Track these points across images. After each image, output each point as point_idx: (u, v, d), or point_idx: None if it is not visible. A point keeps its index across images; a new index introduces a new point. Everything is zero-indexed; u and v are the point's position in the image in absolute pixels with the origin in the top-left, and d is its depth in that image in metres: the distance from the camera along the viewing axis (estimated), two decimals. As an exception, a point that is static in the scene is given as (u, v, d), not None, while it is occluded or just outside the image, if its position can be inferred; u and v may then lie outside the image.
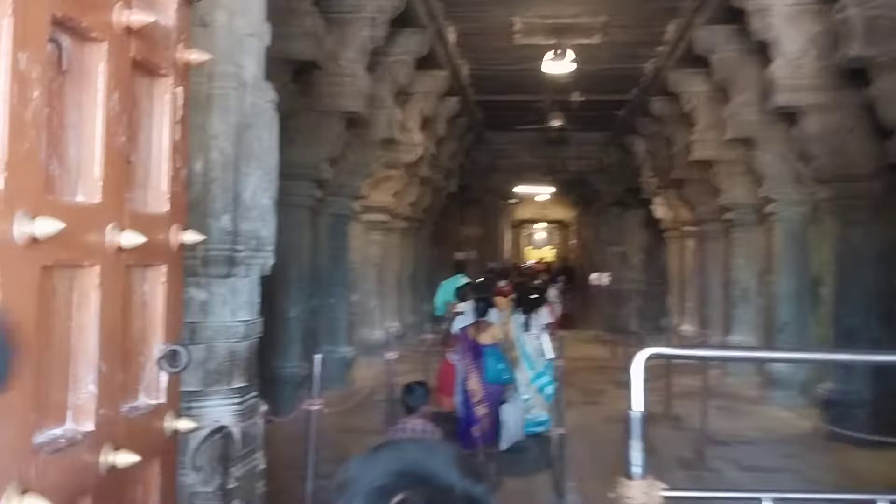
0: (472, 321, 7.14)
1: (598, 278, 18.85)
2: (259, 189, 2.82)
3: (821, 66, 7.54)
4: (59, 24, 1.36)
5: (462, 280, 9.55)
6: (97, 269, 1.49)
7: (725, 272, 12.98)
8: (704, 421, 7.20)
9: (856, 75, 7.39)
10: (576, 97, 14.07)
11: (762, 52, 8.88)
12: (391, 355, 5.31)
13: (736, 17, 8.90)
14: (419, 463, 1.02)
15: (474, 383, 6.84)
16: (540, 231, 33.22)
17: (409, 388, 4.92)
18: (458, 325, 7.57)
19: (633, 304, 18.51)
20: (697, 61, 10.40)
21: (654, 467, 5.73)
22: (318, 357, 2.95)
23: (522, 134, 18.22)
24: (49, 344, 1.38)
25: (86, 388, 1.45)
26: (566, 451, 5.93)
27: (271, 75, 6.97)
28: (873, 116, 7.42)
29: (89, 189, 1.47)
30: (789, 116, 8.59)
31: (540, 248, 33.54)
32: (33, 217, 1.24)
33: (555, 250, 32.42)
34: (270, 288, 8.24)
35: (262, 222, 2.87)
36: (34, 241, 1.25)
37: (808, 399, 8.96)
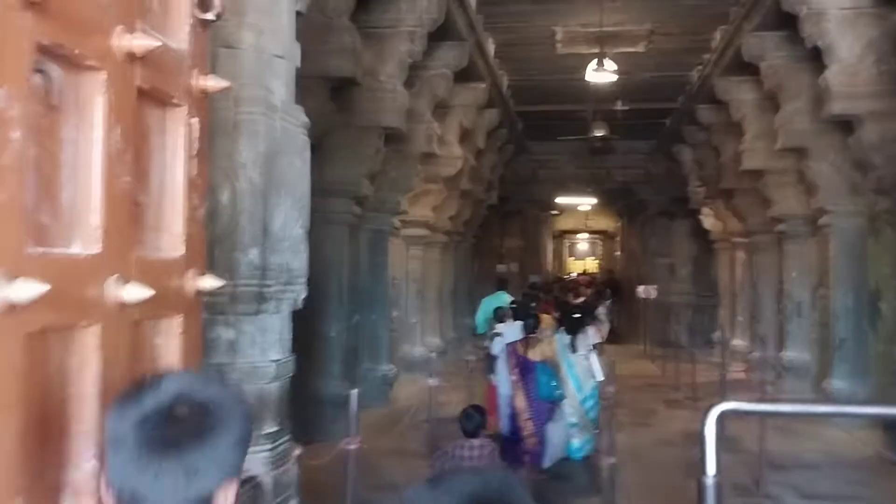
0: (519, 338, 7.02)
1: (645, 291, 18.41)
2: (290, 219, 2.64)
3: (879, 72, 7.20)
4: (47, 52, 1.20)
5: (504, 296, 9.33)
6: (97, 329, 1.32)
7: (778, 285, 12.55)
8: (762, 444, 6.88)
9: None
10: (620, 106, 13.78)
11: (814, 58, 8.53)
12: (433, 381, 5.11)
13: (786, 23, 8.58)
14: (494, 491, 1.02)
15: (521, 401, 6.68)
16: (582, 242, 32.83)
17: (467, 415, 5.06)
18: (497, 345, 7.42)
19: (682, 318, 18.06)
20: (745, 69, 10.07)
21: (709, 495, 5.32)
22: (354, 392, 2.76)
23: (565, 144, 17.95)
24: (42, 418, 1.21)
25: (86, 463, 1.28)
26: (616, 476, 5.65)
27: (308, 93, 6.87)
28: (937, 123, 7.07)
29: (87, 238, 1.30)
30: (844, 125, 8.23)
31: (582, 259, 33.13)
32: (13, 278, 1.08)
33: (598, 261, 31.98)
34: (310, 307, 8.12)
35: (293, 254, 2.69)
36: (14, 306, 1.09)
37: (869, 420, 8.54)
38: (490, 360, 8.07)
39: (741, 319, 15.18)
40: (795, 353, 10.99)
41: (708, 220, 16.54)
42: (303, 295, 2.88)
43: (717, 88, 11.20)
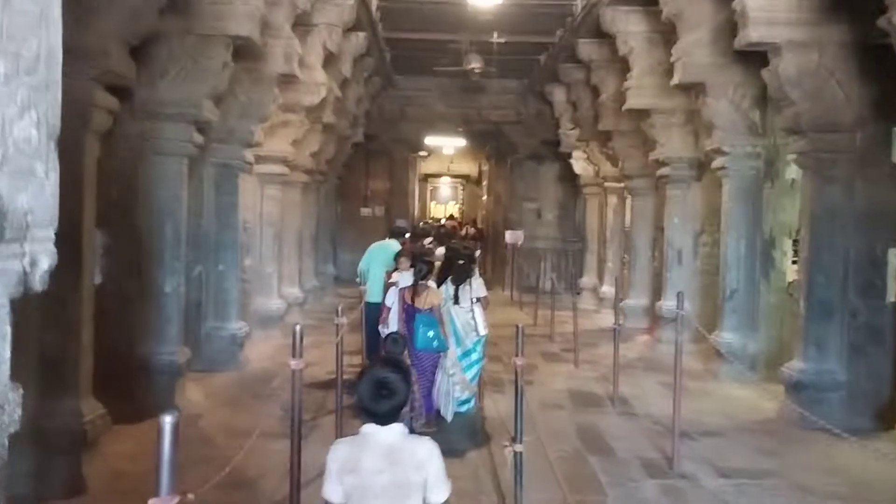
0: (409, 284, 6.57)
1: (513, 236, 17.77)
2: (3, 105, 1.29)
3: (800, -1, 6.46)
4: None
5: (395, 244, 8.24)
6: None
7: (654, 231, 12.08)
8: (664, 410, 6.19)
9: (838, 9, 6.37)
10: (496, 38, 12.72)
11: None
12: (297, 363, 3.92)
13: (690, -57, 7.77)
14: (388, 374, 2.53)
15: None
16: (445, 186, 31.97)
17: (393, 339, 5.62)
18: (390, 297, 6.81)
19: (548, 264, 17.56)
20: (638, -3, 9.26)
21: (617, 475, 4.39)
22: (167, 422, 1.56)
23: (435, 80, 16.79)
24: None
25: None
26: (520, 467, 4.68)
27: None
28: (858, 57, 6.44)
29: None
30: (747, 59, 7.56)
31: (444, 203, 32.32)
32: None
33: (460, 206, 31.26)
34: (139, 257, 6.66)
35: (13, 181, 1.35)
36: None
37: (761, 374, 8.13)
38: (369, 312, 7.11)
39: (611, 266, 14.80)
40: (674, 303, 10.48)
41: (579, 164, 15.97)
42: (45, 263, 1.51)
43: (604, 19, 10.32)
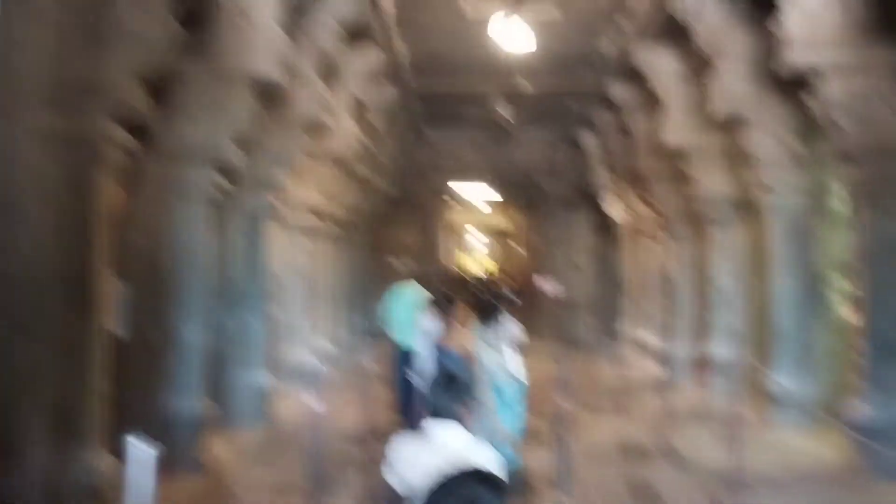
0: (434, 325, 6.53)
1: (548, 284, 17.40)
2: None
3: (845, 22, 6.16)
4: None
5: (418, 287, 7.94)
6: None
7: (696, 274, 11.64)
8: (730, 461, 5.73)
9: (886, 29, 6.06)
10: (526, 86, 12.54)
11: (754, 20, 7.57)
12: (318, 405, 3.63)
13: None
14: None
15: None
16: (477, 238, 31.75)
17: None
18: (419, 343, 6.64)
19: (585, 312, 17.12)
20: (671, 35, 9.04)
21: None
22: (133, 443, 1.22)
23: (465, 131, 16.69)
24: None
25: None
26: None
27: (152, 20, 5.19)
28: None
29: None
30: (789, 89, 7.25)
31: (477, 256, 32.06)
32: None
33: (494, 259, 30.97)
34: (160, 304, 6.42)
35: None
36: None
37: (818, 420, 7.59)
38: (401, 360, 6.79)
39: (651, 312, 14.32)
40: (722, 349, 10.02)
41: (612, 209, 15.65)
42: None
43: (638, 59, 10.13)
